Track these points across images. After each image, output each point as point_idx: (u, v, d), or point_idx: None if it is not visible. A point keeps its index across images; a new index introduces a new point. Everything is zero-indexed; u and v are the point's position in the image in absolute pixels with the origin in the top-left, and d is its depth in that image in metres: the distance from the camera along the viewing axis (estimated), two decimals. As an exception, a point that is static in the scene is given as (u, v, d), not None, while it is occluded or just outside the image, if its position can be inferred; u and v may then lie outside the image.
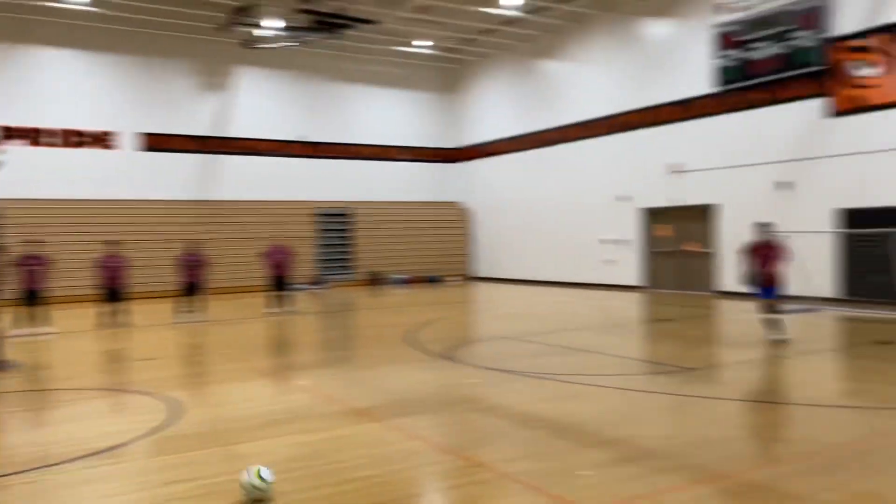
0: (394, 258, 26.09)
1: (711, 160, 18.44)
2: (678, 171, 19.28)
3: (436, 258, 26.85)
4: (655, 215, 20.48)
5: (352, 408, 7.06)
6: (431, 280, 26.32)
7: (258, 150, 24.28)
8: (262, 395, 8.11)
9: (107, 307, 14.45)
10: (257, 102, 24.26)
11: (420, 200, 27.12)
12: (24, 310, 13.39)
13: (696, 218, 19.13)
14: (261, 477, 4.51)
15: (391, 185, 26.48)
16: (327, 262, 25.34)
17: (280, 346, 12.44)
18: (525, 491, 4.69)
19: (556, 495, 4.56)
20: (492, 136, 26.33)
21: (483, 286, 24.66)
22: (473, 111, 27.33)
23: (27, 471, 5.32)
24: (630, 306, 16.95)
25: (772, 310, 10.58)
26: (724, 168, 18.08)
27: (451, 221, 27.47)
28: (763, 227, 10.80)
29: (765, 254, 10.49)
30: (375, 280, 25.51)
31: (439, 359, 9.84)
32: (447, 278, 26.63)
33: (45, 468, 5.39)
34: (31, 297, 13.40)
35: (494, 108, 26.34)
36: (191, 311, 15.14)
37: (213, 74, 23.57)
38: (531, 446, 5.73)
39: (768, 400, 7.65)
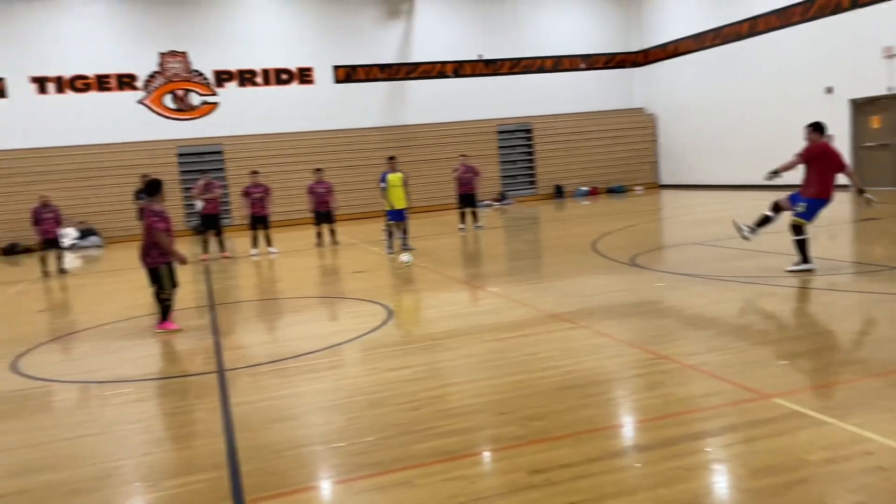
0: (576, 170, 26.10)
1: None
2: (894, 54, 17.27)
3: (619, 168, 26.45)
4: (866, 106, 18.61)
5: (542, 311, 7.67)
6: (615, 190, 26.07)
7: (440, 74, 25.03)
8: (459, 301, 8.97)
9: (318, 228, 16.18)
10: (436, 26, 24.84)
11: (601, 109, 26.60)
12: (252, 233, 15.42)
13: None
14: None
15: (571, 96, 26.17)
16: (510, 177, 25.93)
17: (472, 258, 13.32)
18: (708, 379, 5.03)
19: (738, 384, 4.85)
20: (675, 34, 24.94)
21: (669, 194, 24.03)
22: (654, 10, 25.94)
23: (279, 360, 6.55)
24: (833, 206, 15.83)
25: None
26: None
27: (634, 129, 26.74)
28: None
29: None
30: (558, 193, 25.76)
31: (625, 265, 10.13)
32: (631, 188, 26.22)
33: (292, 358, 6.57)
34: (257, 222, 15.35)
35: (678, 3, 24.82)
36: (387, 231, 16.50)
37: (394, 2, 24.40)
38: (713, 342, 6.00)
39: None
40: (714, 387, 4.87)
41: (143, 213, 8.33)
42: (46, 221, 14.36)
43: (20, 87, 21.26)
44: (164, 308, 8.21)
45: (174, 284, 8.24)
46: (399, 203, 13.62)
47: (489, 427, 4.47)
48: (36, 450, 4.71)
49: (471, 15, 25.25)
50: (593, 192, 25.91)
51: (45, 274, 14.36)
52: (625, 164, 26.50)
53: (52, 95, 21.56)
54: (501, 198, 25.08)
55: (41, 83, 21.46)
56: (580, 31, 26.35)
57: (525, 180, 26.23)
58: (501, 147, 25.70)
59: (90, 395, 6.07)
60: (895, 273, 8.35)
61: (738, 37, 22.14)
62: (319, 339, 7.23)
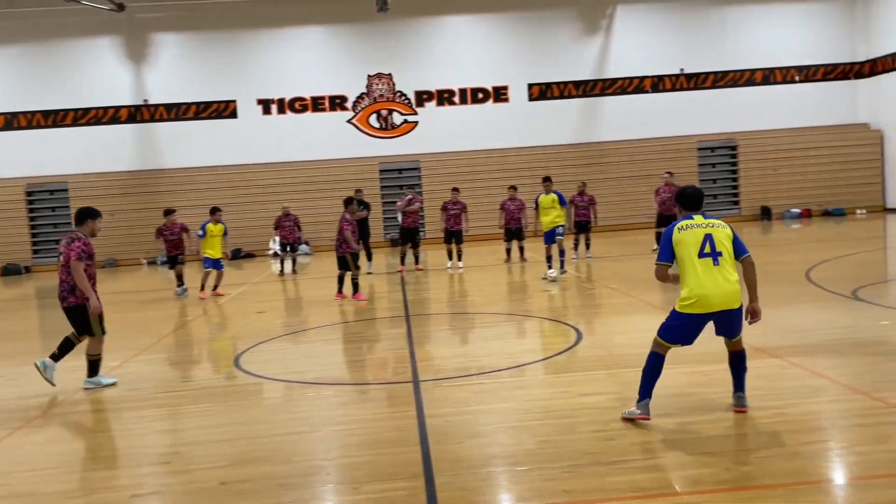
0: (786, 190, 24.12)
1: None
2: None
3: (836, 188, 24.05)
4: None
5: (746, 344, 7.11)
6: (832, 213, 23.73)
7: (637, 89, 24.35)
8: (651, 327, 8.52)
9: (508, 244, 16.35)
10: (635, 40, 24.21)
11: (817, 125, 24.37)
12: (447, 247, 15.94)
13: None
14: None
15: (783, 111, 24.23)
16: (711, 197, 24.52)
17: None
18: (952, 438, 4.38)
19: None
20: (911, 41, 22.27)
21: (898, 219, 21.44)
22: (885, 15, 23.34)
23: (470, 375, 6.67)
24: None
25: None
26: None
27: (857, 146, 24.17)
28: None
29: None
30: (765, 214, 23.95)
31: (846, 298, 9.16)
32: (852, 211, 23.72)
33: (483, 374, 6.67)
34: (452, 237, 15.84)
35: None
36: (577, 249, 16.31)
37: (593, 18, 24.17)
38: (960, 394, 5.22)
39: None
40: (961, 448, 4.23)
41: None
42: (286, 228, 16.16)
43: (248, 109, 23.78)
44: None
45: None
46: (547, 226, 13.19)
47: (689, 467, 4.22)
48: (252, 442, 5.18)
49: (673, 28, 24.32)
50: (805, 214, 23.78)
51: (282, 273, 16.51)
52: (844, 185, 24.04)
53: (275, 116, 23.86)
54: (699, 218, 23.78)
55: (266, 105, 23.84)
56: (795, 41, 24.34)
57: (728, 200, 24.69)
58: (701, 164, 24.42)
59: (297, 394, 6.56)
60: None
61: None
62: (509, 356, 7.27)
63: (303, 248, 22.57)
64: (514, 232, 16.20)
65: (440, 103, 24.14)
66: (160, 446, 5.31)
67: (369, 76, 23.97)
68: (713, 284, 4.80)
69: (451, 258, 15.93)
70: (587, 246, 16.37)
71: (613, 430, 4.90)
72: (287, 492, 4.24)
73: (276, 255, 16.68)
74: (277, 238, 17.19)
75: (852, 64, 24.50)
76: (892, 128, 23.62)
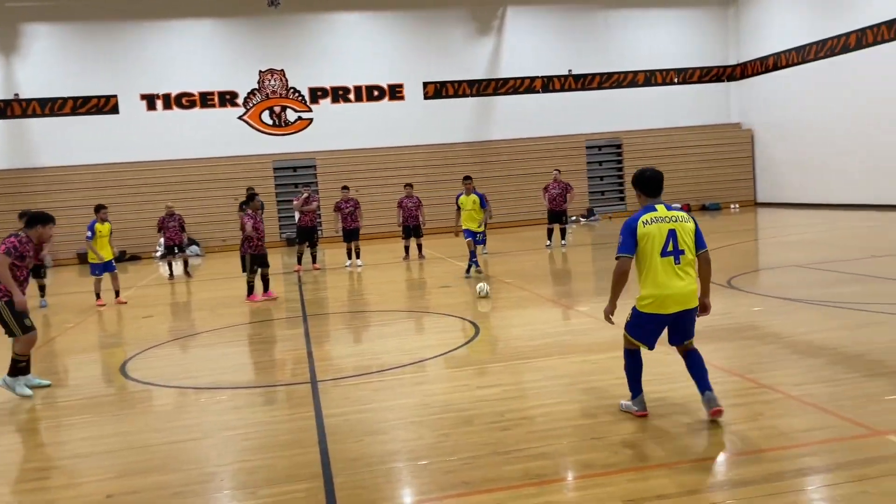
0: (667, 186, 25.02)
1: None
2: None
3: (713, 184, 25.65)
4: None
5: (633, 331, 7.47)
6: (709, 208, 25.26)
7: (528, 89, 24.99)
8: (547, 320, 8.88)
9: (406, 242, 16.41)
10: (526, 41, 24.84)
11: (694, 125, 25.88)
12: (346, 245, 15.80)
13: None
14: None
15: (663, 111, 25.60)
16: (599, 193, 25.56)
17: (560, 276, 13.17)
18: (814, 412, 4.78)
19: (848, 418, 4.59)
20: (776, 47, 24.03)
21: (767, 212, 23.09)
22: (754, 22, 25.08)
23: (368, 373, 6.66)
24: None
25: None
26: None
27: (730, 144, 25.88)
28: None
29: None
30: (648, 210, 25.18)
31: (721, 287, 9.78)
32: (727, 205, 25.34)
33: (382, 371, 6.68)
34: (350, 235, 15.71)
35: (779, 14, 23.91)
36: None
37: (485, 19, 24.59)
38: (819, 372, 5.70)
39: None
40: (820, 420, 4.63)
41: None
42: (171, 229, 15.51)
43: (131, 104, 22.63)
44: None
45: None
46: (471, 225, 13.01)
47: (580, 452, 4.39)
48: (142, 452, 4.96)
49: (561, 30, 25.12)
50: (685, 209, 25.14)
51: (171, 276, 16.00)
52: (719, 181, 25.67)
53: (160, 111, 22.84)
54: (589, 214, 24.74)
55: (150, 100, 22.78)
56: (674, 45, 25.76)
57: (614, 196, 25.79)
58: (589, 162, 25.39)
59: (193, 399, 6.34)
60: None
61: (845, 49, 21.12)
62: (407, 353, 7.31)
63: (193, 248, 21.75)
64: (411, 229, 16.27)
65: (335, 100, 23.88)
66: (37, 461, 4.99)
67: (261, 72, 23.37)
68: (672, 285, 4.55)
69: (350, 257, 15.82)
70: (483, 242, 16.65)
71: (509, 420, 5.04)
72: (179, 500, 4.10)
73: (163, 256, 15.96)
74: (162, 240, 16.49)
75: (724, 67, 26.17)
76: (761, 127, 25.42)
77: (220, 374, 7.17)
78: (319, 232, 19.68)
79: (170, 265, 16.35)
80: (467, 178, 13.60)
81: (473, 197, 13.12)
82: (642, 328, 4.77)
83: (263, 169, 23.21)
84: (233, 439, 5.12)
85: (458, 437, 4.78)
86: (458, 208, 13.34)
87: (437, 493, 3.99)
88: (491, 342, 7.73)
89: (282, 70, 23.47)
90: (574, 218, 23.22)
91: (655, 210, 4.63)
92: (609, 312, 4.89)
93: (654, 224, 4.56)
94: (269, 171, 23.31)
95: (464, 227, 13.07)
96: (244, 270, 11.83)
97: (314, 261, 15.84)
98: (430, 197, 22.01)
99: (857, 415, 4.63)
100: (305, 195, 15.79)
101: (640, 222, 4.59)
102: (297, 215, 15.91)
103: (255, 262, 11.78)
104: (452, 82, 24.53)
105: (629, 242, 4.61)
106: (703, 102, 26.04)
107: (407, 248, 16.46)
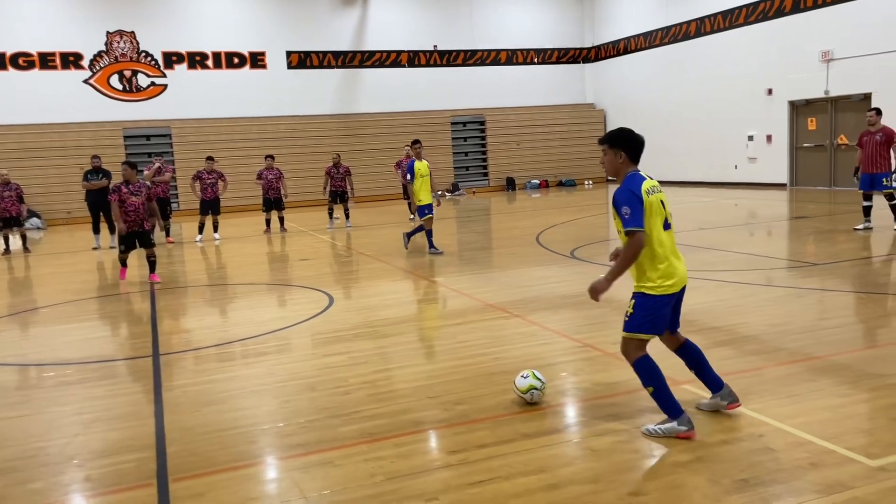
0: (527, 163, 26.44)
1: (867, 46, 17.05)
2: (830, 59, 17.99)
3: (569, 162, 26.90)
4: (804, 108, 19.35)
5: (480, 300, 7.87)
6: (565, 184, 26.51)
7: (395, 63, 25.02)
8: (402, 290, 9.12)
9: (267, 215, 16.12)
10: (391, 15, 24.80)
11: (553, 104, 26.98)
12: (201, 218, 15.28)
13: (850, 109, 17.93)
14: (537, 377, 4.59)
15: (524, 90, 26.47)
16: (463, 168, 26.14)
17: (418, 248, 13.46)
18: (627, 367, 5.29)
19: (654, 371, 5.11)
20: (626, 32, 25.44)
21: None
22: (607, 6, 26.39)
23: (216, 345, 6.61)
24: (769, 204, 16.49)
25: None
26: (882, 53, 16.69)
27: (585, 124, 27.19)
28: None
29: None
30: (510, 185, 26.08)
31: (566, 258, 10.42)
32: (581, 182, 26.70)
33: (229, 343, 6.65)
34: (209, 207, 15.18)
35: (630, 1, 25.29)
36: (337, 218, 16.57)
37: (349, -11, 24.29)
38: (638, 332, 6.27)
39: (886, 292, 7.62)
40: (629, 374, 5.12)
41: None
42: (5, 200, 14.24)
43: (-42, 63, 20.57)
44: None
45: None
46: (427, 197, 11.46)
47: (414, 411, 4.64)
48: (-38, 431, 4.71)
49: (426, 5, 25.29)
50: (543, 185, 26.31)
51: (7, 251, 14.63)
52: (575, 159, 26.95)
53: (-7, 72, 20.91)
54: (454, 188, 25.27)
55: (-19, 59, 20.79)
56: (535, 25, 26.63)
57: (478, 172, 26.47)
58: (455, 138, 25.88)
59: (25, 377, 6.05)
60: (817, 269, 8.79)
61: (686, 36, 22.71)
62: (260, 324, 7.31)
63: (33, 221, 20.26)
64: (273, 202, 16.00)
65: (192, 66, 22.82)
66: None
67: (109, 33, 21.90)
68: (680, 261, 4.10)
69: (200, 231, 15.29)
70: (346, 216, 16.67)
71: (351, 385, 5.21)
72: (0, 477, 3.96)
73: (5, 226, 14.66)
74: None
75: (581, 49, 27.39)
76: (612, 107, 26.88)
77: (54, 350, 6.86)
78: (174, 204, 18.91)
79: (6, 238, 15.03)
80: (416, 141, 11.79)
81: (426, 162, 11.58)
82: (656, 313, 4.06)
83: (113, 136, 21.87)
84: (65, 415, 4.96)
85: (298, 403, 4.90)
86: (411, 179, 11.38)
87: (270, 455, 4.11)
88: (343, 312, 7.86)
89: (132, 32, 22.10)
90: (440, 192, 23.64)
91: (647, 179, 4.00)
92: (603, 290, 4.11)
93: (654, 195, 3.97)
94: (120, 139, 22.00)
95: (424, 203, 11.39)
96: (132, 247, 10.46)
97: (167, 234, 15.23)
98: (294, 169, 21.69)
99: (661, 367, 5.17)
100: (157, 165, 15.10)
101: (643, 191, 3.92)
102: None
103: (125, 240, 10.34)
104: (317, 52, 24.11)
105: (641, 212, 3.88)
106: (561, 82, 27.16)
107: (268, 222, 16.18)
